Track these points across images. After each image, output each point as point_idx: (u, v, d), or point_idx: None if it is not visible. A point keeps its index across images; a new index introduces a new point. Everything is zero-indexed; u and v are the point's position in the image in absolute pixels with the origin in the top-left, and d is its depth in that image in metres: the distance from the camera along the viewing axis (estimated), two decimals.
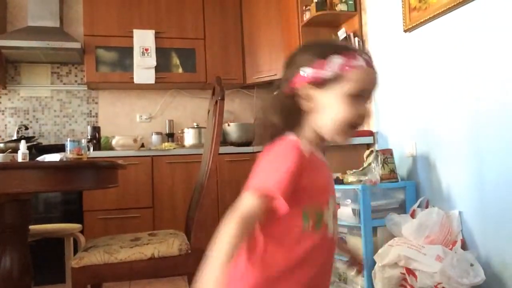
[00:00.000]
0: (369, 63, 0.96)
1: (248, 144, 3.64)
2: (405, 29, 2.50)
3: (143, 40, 3.62)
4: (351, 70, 0.94)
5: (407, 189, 2.39)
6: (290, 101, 0.97)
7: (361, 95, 0.95)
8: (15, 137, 3.48)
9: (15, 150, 2.21)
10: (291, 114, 0.97)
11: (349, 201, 2.30)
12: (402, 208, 2.35)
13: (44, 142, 3.64)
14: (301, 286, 0.92)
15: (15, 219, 1.63)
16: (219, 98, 1.77)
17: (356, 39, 3.01)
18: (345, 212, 2.31)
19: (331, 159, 3.09)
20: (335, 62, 0.94)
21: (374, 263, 2.13)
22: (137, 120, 3.94)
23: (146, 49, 3.62)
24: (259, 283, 0.91)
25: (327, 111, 0.95)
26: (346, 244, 1.21)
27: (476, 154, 2.05)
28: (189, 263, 1.71)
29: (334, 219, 0.99)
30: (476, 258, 1.93)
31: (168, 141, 3.77)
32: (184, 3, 3.79)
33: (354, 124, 0.96)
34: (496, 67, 1.94)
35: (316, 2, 3.11)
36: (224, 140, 3.66)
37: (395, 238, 2.13)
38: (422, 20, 2.35)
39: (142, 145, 3.61)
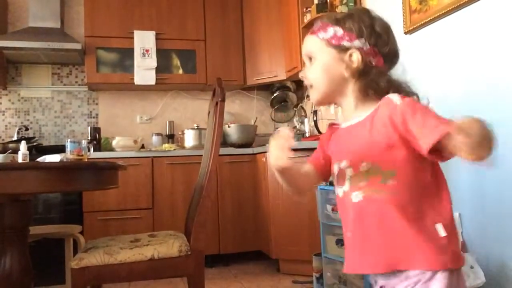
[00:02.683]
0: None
1: (248, 145, 3.65)
2: (406, 31, 2.50)
3: (144, 41, 3.62)
4: None
5: None
6: None
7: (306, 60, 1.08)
8: (15, 138, 3.49)
9: (16, 150, 2.21)
10: None
11: None
12: None
13: (45, 143, 3.65)
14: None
15: (15, 219, 1.63)
16: (220, 99, 1.77)
17: None
18: None
19: None
20: None
21: None
22: (138, 121, 3.94)
23: (147, 50, 3.62)
24: None
25: None
26: None
27: None
28: (189, 264, 1.71)
29: (353, 181, 0.98)
30: (476, 260, 1.93)
31: (168, 142, 3.77)
32: (185, 4, 3.79)
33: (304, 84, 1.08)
34: (497, 69, 1.94)
35: (316, 4, 3.11)
36: (224, 141, 3.66)
37: None
38: (422, 22, 2.36)
39: (143, 146, 3.61)
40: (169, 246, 1.71)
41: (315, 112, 3.14)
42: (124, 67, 3.66)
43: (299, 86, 3.94)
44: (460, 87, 2.15)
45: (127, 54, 3.63)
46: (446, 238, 0.90)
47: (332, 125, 1.12)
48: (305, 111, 3.73)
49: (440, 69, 2.29)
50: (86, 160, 1.90)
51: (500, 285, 1.92)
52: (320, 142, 1.14)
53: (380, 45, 1.00)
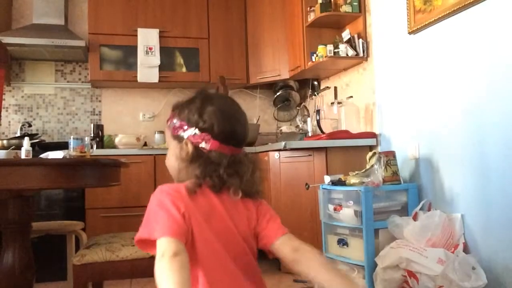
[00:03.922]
0: None
1: (250, 144, 3.65)
2: (410, 31, 2.50)
3: (147, 39, 3.63)
4: None
5: (409, 191, 2.38)
6: None
7: None
8: (18, 134, 3.49)
9: (19, 147, 2.21)
10: None
11: (351, 202, 2.30)
12: (404, 211, 2.35)
13: (48, 139, 3.65)
14: None
15: (18, 215, 1.64)
16: None
17: (360, 40, 3.01)
18: (347, 214, 2.31)
19: (334, 160, 3.08)
20: None
21: (376, 265, 2.13)
22: (140, 118, 3.94)
23: (150, 48, 3.62)
24: None
25: None
26: None
27: (479, 157, 2.05)
28: None
29: None
30: (478, 262, 1.93)
31: None
32: (189, 2, 3.79)
33: None
34: (500, 69, 1.93)
35: (320, 3, 3.11)
36: None
37: (396, 240, 2.12)
38: (426, 22, 2.35)
39: (145, 144, 3.61)
40: None
41: (318, 112, 3.14)
42: (128, 65, 3.66)
43: (302, 85, 3.94)
44: (463, 88, 2.14)
45: (131, 51, 3.63)
46: None
47: None
48: (308, 111, 3.73)
49: (444, 69, 2.28)
50: (88, 157, 1.90)
51: (502, 286, 1.91)
52: None
53: (209, 129, 1.02)
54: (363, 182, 2.29)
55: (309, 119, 3.47)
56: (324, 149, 2.86)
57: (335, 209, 2.39)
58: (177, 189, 0.98)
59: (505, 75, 1.91)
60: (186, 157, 1.03)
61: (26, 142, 2.00)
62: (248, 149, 3.96)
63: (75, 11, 3.80)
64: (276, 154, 3.09)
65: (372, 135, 2.91)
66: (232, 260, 0.98)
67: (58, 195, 3.14)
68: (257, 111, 4.11)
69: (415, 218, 2.18)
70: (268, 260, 1.15)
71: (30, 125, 3.63)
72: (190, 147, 1.03)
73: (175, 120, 1.08)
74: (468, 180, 2.12)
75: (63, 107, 3.79)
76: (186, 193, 0.96)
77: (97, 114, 3.85)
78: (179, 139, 1.05)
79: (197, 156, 1.02)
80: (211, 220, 0.98)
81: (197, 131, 1.03)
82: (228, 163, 1.02)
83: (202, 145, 1.02)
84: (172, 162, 1.07)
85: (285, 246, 1.03)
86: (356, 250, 2.29)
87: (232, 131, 1.05)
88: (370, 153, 2.44)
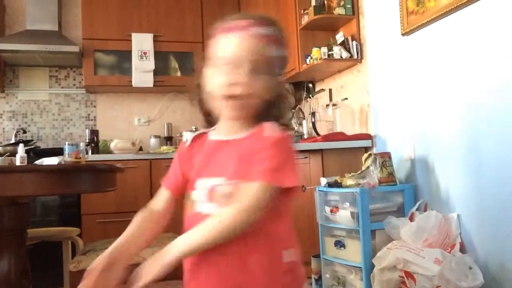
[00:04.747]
0: (225, 29, 0.97)
1: None
2: (403, 32, 2.51)
3: (142, 43, 3.62)
4: (210, 44, 0.98)
5: (405, 192, 2.39)
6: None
7: (222, 64, 0.94)
8: (13, 141, 3.48)
9: (13, 153, 2.20)
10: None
11: (347, 204, 2.30)
12: (400, 211, 2.36)
13: (42, 145, 3.64)
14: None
15: (13, 222, 1.63)
16: None
17: (354, 42, 3.02)
18: (344, 215, 2.31)
19: (330, 162, 3.08)
20: (210, 42, 0.99)
21: (373, 266, 2.13)
22: (136, 123, 3.93)
23: (145, 53, 3.62)
24: None
25: (206, 88, 0.99)
26: None
27: (475, 157, 2.06)
28: None
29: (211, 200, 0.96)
30: (475, 261, 1.93)
31: (166, 145, 3.76)
32: (183, 6, 3.79)
33: (226, 94, 0.93)
34: (494, 70, 1.95)
35: (314, 5, 3.12)
36: None
37: (393, 241, 2.13)
38: (419, 24, 2.37)
39: (141, 149, 3.60)
40: None
41: (313, 114, 3.14)
42: (122, 70, 3.65)
43: (297, 87, 3.94)
44: (457, 88, 2.16)
45: (125, 56, 3.62)
46: None
47: (199, 136, 1.07)
48: (303, 113, 3.73)
49: (437, 70, 2.30)
50: (84, 162, 1.89)
51: (498, 286, 1.92)
52: (179, 158, 1.13)
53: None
54: (359, 184, 2.30)
55: (304, 122, 3.47)
56: (320, 151, 2.87)
57: (331, 211, 2.39)
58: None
59: (498, 75, 1.93)
60: (272, 96, 1.01)
61: (20, 148, 2.00)
62: None
63: (68, 16, 3.79)
64: None
65: (367, 136, 2.91)
66: None
67: (54, 202, 3.12)
68: None
69: (411, 218, 2.18)
70: None
71: (24, 132, 3.61)
72: (283, 86, 1.03)
73: (279, 49, 1.03)
74: (464, 180, 2.12)
75: (57, 113, 3.78)
76: None
77: (92, 120, 3.84)
78: (273, 73, 1.01)
79: (280, 97, 1.05)
80: None
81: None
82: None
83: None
84: (261, 94, 0.98)
85: None
86: (353, 252, 2.30)
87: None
88: (365, 155, 2.45)
